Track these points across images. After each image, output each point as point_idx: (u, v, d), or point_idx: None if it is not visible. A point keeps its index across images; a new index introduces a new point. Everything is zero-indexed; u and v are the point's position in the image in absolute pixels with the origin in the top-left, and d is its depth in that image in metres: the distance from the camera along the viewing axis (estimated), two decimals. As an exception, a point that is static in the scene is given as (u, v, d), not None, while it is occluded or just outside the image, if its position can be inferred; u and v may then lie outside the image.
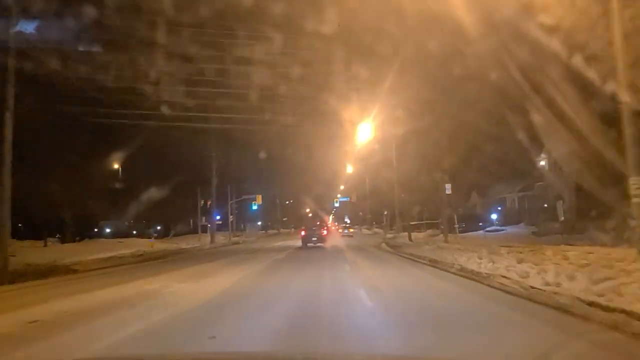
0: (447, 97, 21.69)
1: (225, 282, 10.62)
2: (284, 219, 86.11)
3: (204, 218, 42.84)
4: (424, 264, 14.06)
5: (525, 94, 13.93)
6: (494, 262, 10.48)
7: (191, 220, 51.90)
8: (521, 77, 13.40)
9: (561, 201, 18.63)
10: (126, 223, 58.02)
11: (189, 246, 31.12)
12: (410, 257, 16.75)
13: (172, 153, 45.52)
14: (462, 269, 10.96)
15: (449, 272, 11.40)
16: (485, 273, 9.61)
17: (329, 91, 20.39)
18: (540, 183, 28.14)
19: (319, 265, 14.87)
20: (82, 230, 43.30)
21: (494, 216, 28.03)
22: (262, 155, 46.12)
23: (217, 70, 19.81)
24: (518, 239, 19.93)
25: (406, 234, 37.83)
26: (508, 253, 12.66)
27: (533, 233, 21.89)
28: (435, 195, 33.79)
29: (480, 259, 11.39)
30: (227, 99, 20.94)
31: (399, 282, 10.21)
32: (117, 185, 43.55)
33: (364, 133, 33.00)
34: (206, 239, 39.19)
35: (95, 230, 52.74)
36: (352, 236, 49.07)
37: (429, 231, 33.64)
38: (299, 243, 28.08)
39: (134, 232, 56.45)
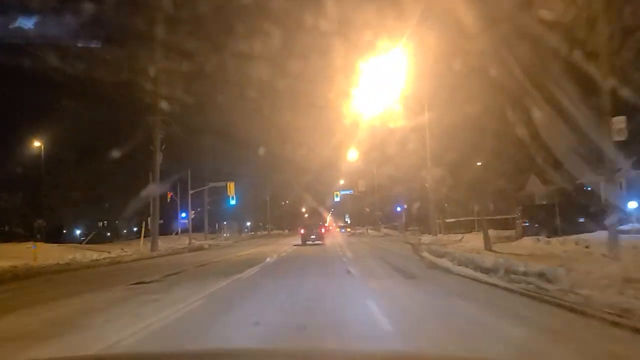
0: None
1: None
2: (274, 225, 75.28)
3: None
4: None
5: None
6: None
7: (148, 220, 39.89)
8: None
9: None
10: (100, 223, 49.69)
11: (99, 257, 18.80)
12: None
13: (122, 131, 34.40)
14: None
15: None
16: None
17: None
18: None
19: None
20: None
21: (632, 205, 15.72)
22: (261, 151, 44.17)
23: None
24: None
25: (441, 236, 26.65)
26: None
27: None
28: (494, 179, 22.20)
29: None
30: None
31: None
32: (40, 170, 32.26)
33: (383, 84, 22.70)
34: (165, 243, 27.85)
35: (65, 232, 44.07)
36: (350, 235, 46.27)
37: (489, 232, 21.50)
38: (284, 250, 21.89)
39: (108, 233, 48.92)
